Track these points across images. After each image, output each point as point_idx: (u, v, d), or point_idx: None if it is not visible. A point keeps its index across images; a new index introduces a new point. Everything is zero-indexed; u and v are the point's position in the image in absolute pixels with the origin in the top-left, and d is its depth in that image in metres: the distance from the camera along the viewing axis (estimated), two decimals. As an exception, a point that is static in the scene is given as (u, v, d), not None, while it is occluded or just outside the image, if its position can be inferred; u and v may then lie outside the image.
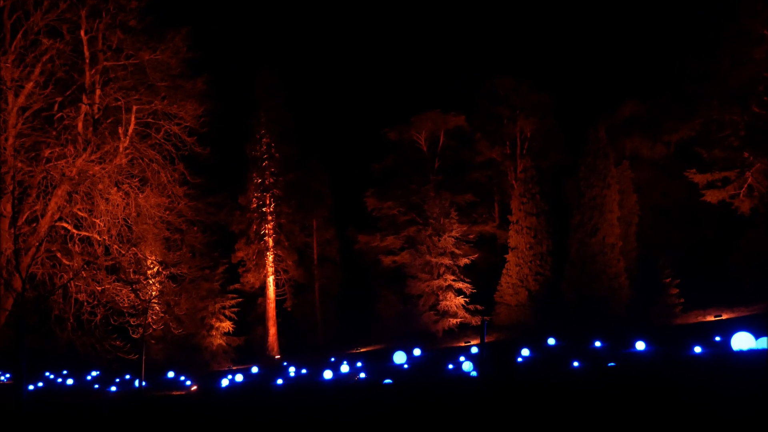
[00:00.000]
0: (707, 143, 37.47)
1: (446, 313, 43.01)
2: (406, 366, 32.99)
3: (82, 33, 21.42)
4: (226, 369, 42.98)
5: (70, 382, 39.74)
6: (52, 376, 41.32)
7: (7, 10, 20.51)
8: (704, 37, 35.92)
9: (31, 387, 34.09)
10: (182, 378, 37.76)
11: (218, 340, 45.32)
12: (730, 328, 25.58)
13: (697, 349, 24.52)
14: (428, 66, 73.65)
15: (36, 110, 21.30)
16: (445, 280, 43.24)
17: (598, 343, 30.63)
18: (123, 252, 22.28)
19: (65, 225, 21.78)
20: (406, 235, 48.45)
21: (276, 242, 48.84)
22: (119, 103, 22.15)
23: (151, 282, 24.49)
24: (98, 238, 22.04)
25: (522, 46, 58.96)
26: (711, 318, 33.92)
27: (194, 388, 35.00)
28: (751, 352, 20.86)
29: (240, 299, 46.79)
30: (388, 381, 26.27)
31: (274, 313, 48.32)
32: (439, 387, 21.10)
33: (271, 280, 48.38)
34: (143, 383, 29.83)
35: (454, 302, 43.00)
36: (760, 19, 32.96)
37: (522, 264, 42.13)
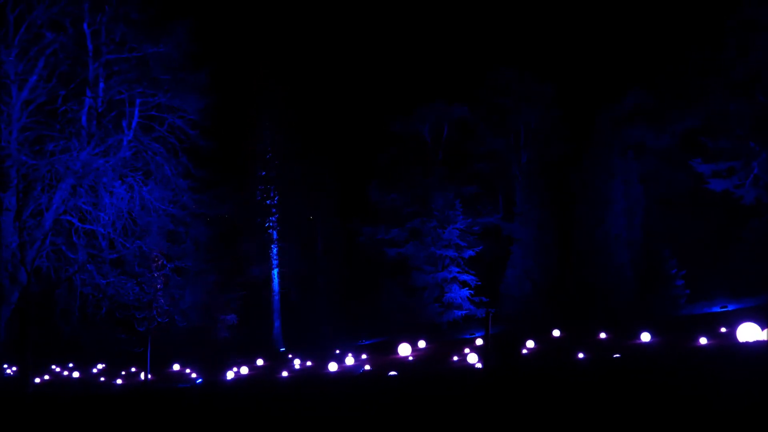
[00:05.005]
0: (713, 133, 37.24)
1: (451, 306, 43.00)
2: (410, 358, 33.04)
3: (85, 26, 21.39)
4: (232, 361, 43.06)
5: (76, 375, 39.91)
6: (58, 369, 41.50)
7: (10, 4, 20.47)
8: (710, 25, 35.68)
9: (37, 380, 34.24)
10: (188, 371, 37.88)
11: (223, 333, 45.43)
12: (735, 319, 25.52)
13: (703, 341, 24.47)
14: (431, 57, 73.24)
15: (40, 104, 21.33)
16: (450, 272, 43.21)
17: (603, 335, 30.61)
18: (127, 245, 22.34)
19: (70, 218, 21.82)
20: (410, 227, 48.30)
21: (280, 235, 48.85)
22: (123, 96, 22.15)
23: (155, 275, 24.57)
24: (103, 231, 22.09)
25: (525, 36, 58.60)
26: (717, 309, 33.82)
27: (200, 380, 35.10)
28: (758, 344, 20.80)
29: (244, 292, 46.87)
30: (392, 373, 26.29)
31: (279, 306, 48.39)
32: (443, 379, 21.10)
33: (275, 272, 48.43)
34: (149, 376, 29.98)
35: (459, 294, 42.98)
36: (767, 7, 32.73)
37: (527, 256, 42.03)
